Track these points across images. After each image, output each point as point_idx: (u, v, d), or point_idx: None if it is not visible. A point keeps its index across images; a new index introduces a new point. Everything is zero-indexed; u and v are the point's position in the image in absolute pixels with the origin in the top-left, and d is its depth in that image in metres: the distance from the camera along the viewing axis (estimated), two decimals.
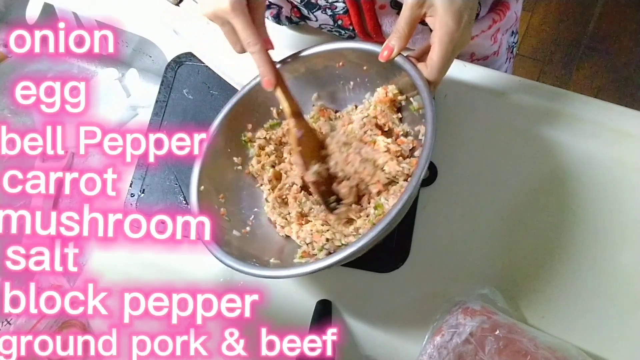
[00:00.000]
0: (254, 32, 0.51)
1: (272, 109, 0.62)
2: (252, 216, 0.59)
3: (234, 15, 0.50)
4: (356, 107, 0.61)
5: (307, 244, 0.55)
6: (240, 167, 0.61)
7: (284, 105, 0.56)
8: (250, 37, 0.51)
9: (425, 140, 0.47)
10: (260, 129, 0.62)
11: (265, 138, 0.61)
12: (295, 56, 0.58)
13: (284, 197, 0.59)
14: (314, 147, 0.57)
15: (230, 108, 0.60)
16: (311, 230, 0.55)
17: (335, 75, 0.59)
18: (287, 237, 0.58)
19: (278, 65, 0.58)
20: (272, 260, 0.54)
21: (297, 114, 0.56)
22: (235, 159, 0.61)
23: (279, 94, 0.55)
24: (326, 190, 0.56)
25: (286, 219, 0.58)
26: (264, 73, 0.54)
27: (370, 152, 0.55)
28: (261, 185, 0.61)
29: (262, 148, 0.61)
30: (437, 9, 0.46)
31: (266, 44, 0.54)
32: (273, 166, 0.60)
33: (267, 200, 0.60)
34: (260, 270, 0.50)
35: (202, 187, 0.56)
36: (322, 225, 0.55)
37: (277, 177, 0.60)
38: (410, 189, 0.46)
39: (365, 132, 0.57)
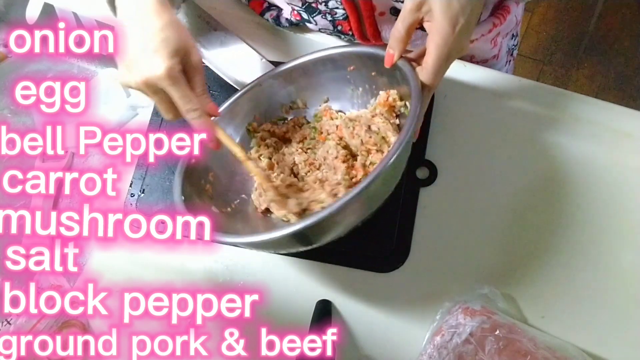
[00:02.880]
0: (192, 99, 0.49)
1: (281, 104, 0.63)
2: (238, 200, 0.60)
3: (171, 83, 0.48)
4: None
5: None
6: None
7: (236, 151, 0.54)
8: (189, 104, 0.49)
9: (409, 116, 0.47)
10: (266, 121, 0.62)
11: (269, 131, 0.62)
12: (306, 57, 0.58)
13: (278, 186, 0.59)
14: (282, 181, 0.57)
15: (240, 95, 0.61)
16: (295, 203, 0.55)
17: (345, 80, 0.60)
18: (266, 223, 0.58)
19: (290, 65, 0.59)
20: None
21: (250, 157, 0.56)
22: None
23: (228, 145, 0.54)
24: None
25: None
26: (210, 139, 0.53)
27: (382, 125, 0.55)
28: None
29: (263, 139, 0.62)
30: (434, 14, 0.46)
31: (210, 110, 0.52)
32: (270, 157, 0.61)
33: (256, 189, 0.60)
34: (223, 237, 0.48)
35: (193, 160, 0.56)
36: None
37: (271, 167, 0.61)
38: (393, 152, 0.44)
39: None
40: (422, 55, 0.51)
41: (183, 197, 0.53)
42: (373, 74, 0.57)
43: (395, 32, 0.49)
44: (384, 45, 0.52)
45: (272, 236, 0.45)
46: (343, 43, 0.70)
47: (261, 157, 0.61)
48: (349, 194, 0.43)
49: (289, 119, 0.63)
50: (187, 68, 0.50)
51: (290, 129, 0.62)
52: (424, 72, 0.48)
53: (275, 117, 0.63)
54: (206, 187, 0.58)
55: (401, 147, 0.45)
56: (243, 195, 0.61)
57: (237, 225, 0.57)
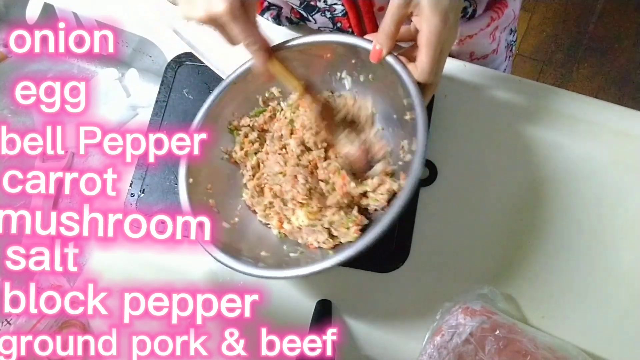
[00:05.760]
0: (253, 33, 0.50)
1: (257, 96, 0.62)
2: (240, 205, 0.60)
3: (231, 19, 0.49)
4: (332, 92, 0.60)
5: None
6: (226, 156, 0.61)
7: (293, 85, 0.55)
8: (250, 39, 0.50)
9: (417, 146, 0.47)
10: (245, 116, 0.62)
11: (249, 125, 0.62)
12: (284, 45, 0.57)
13: (262, 185, 0.59)
14: (333, 117, 0.56)
15: (215, 97, 0.60)
16: (297, 227, 0.56)
17: (322, 66, 0.59)
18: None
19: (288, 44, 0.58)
20: (262, 253, 0.54)
21: (308, 90, 0.55)
22: (221, 148, 0.61)
23: (283, 78, 0.54)
24: (364, 163, 0.56)
25: (265, 212, 0.58)
26: (264, 71, 0.53)
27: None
28: (244, 171, 0.62)
29: (246, 136, 0.61)
30: (423, 9, 0.46)
31: (263, 42, 0.52)
32: (255, 153, 0.61)
33: (246, 187, 0.60)
34: (258, 270, 0.50)
35: (191, 180, 0.56)
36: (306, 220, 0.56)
37: (257, 166, 0.61)
38: (404, 198, 0.46)
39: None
40: (408, 46, 0.51)
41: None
42: (353, 61, 0.56)
43: (384, 28, 0.49)
44: (367, 39, 0.52)
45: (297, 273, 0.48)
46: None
47: (248, 154, 0.61)
48: (365, 238, 0.46)
49: (267, 109, 0.63)
50: (245, 2, 0.50)
51: (267, 120, 0.62)
52: (420, 71, 0.48)
53: (253, 110, 0.62)
54: (210, 203, 0.57)
55: (417, 171, 0.46)
56: (242, 197, 0.61)
57: (248, 238, 0.57)
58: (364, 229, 0.53)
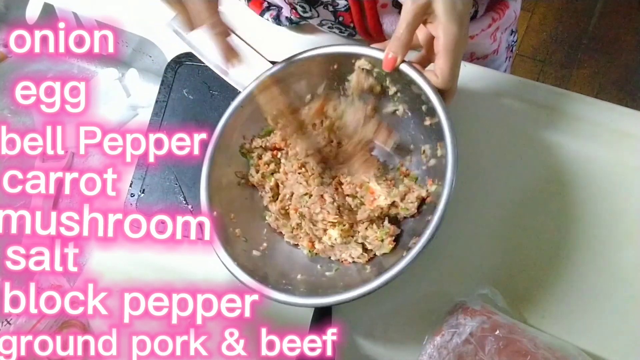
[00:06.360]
0: (215, 13, 0.49)
1: (265, 116, 0.61)
2: (265, 229, 0.59)
3: None
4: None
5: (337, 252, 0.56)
6: (243, 181, 0.61)
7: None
8: (211, 19, 0.49)
9: (446, 158, 0.48)
10: (255, 138, 0.61)
11: (262, 147, 0.61)
12: (292, 59, 0.57)
13: (286, 208, 0.59)
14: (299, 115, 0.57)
15: (224, 125, 0.58)
16: (330, 244, 0.56)
17: (330, 78, 0.59)
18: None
19: (275, 68, 0.58)
20: (299, 277, 0.54)
21: (278, 81, 0.55)
22: (237, 174, 0.60)
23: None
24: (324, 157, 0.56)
25: (292, 233, 0.58)
26: (228, 55, 0.52)
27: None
28: (263, 193, 0.61)
29: (259, 157, 0.61)
30: (439, 16, 0.46)
31: (226, 27, 0.51)
32: (272, 173, 0.60)
33: (267, 209, 0.60)
34: (305, 299, 0.50)
35: (215, 213, 0.55)
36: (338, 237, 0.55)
37: (277, 187, 0.60)
38: (438, 217, 0.48)
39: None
40: (425, 58, 0.51)
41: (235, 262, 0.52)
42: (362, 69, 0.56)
43: (399, 36, 0.48)
44: (379, 49, 0.52)
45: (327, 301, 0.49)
46: (342, 39, 0.70)
47: (265, 176, 0.60)
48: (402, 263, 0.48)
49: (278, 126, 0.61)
50: None
51: (279, 138, 0.61)
52: (442, 79, 0.48)
53: (262, 130, 0.61)
54: (237, 233, 0.56)
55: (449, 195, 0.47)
56: (266, 221, 0.60)
57: (281, 262, 0.56)
58: (397, 239, 0.54)
